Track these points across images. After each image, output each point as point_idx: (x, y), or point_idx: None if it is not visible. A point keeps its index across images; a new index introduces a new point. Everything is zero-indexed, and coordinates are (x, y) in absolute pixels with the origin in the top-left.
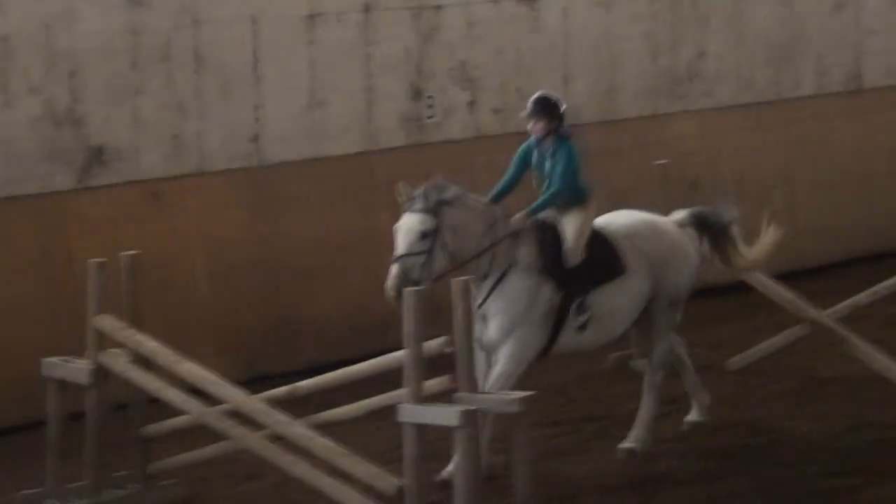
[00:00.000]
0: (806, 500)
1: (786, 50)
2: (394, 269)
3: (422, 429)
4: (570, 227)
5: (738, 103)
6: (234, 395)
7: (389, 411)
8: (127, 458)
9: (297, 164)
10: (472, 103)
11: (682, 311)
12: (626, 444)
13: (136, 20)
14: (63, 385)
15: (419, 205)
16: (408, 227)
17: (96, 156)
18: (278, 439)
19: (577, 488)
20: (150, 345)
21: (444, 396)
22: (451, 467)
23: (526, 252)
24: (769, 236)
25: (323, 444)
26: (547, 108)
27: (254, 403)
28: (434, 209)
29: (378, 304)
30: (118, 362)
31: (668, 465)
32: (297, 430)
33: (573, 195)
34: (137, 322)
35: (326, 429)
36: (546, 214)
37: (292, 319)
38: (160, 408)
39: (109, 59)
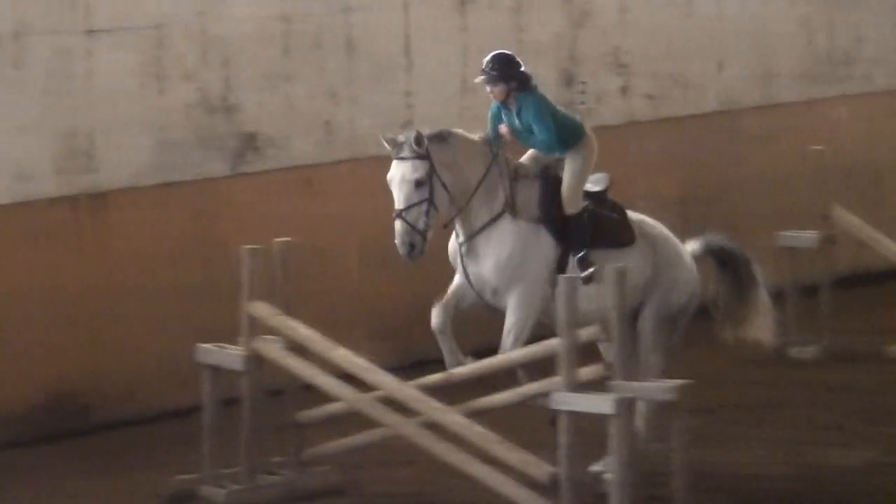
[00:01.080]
0: None
1: None
2: (398, 226)
3: (576, 416)
4: (567, 172)
5: None
6: (388, 382)
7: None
8: (281, 444)
9: None
10: (624, 89)
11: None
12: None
13: (289, 7)
14: (217, 371)
15: (407, 151)
16: (400, 177)
17: (249, 142)
18: (432, 426)
19: (734, 476)
20: (304, 331)
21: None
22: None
23: (525, 198)
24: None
25: (477, 432)
26: (503, 70)
27: (408, 390)
28: (424, 152)
29: None
30: (272, 349)
31: (829, 453)
32: (452, 416)
33: (566, 140)
34: (291, 308)
35: (481, 416)
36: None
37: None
38: (314, 394)
39: (262, 45)
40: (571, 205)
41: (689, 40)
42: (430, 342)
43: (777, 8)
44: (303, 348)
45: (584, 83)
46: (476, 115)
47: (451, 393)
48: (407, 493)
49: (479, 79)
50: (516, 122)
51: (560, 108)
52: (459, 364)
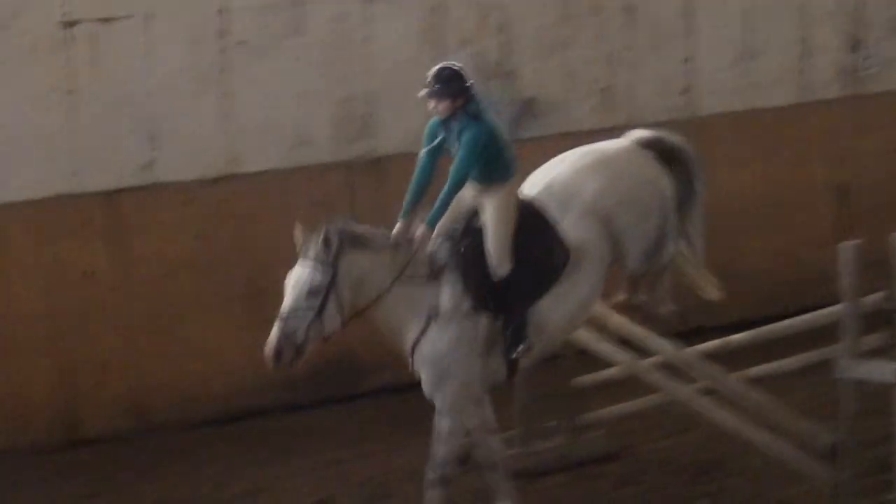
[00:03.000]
0: None
1: None
2: (274, 330)
3: (859, 385)
4: (490, 229)
5: None
6: (666, 348)
7: (823, 367)
8: (557, 409)
9: (729, 117)
10: None
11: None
12: None
13: None
14: None
15: (312, 253)
16: (296, 280)
17: (527, 108)
18: (710, 393)
19: None
20: None
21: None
22: None
23: (449, 294)
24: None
25: (756, 398)
26: (450, 84)
27: (685, 356)
28: (330, 259)
29: (813, 258)
30: None
31: None
32: (730, 383)
33: (492, 176)
34: None
35: (759, 383)
36: (461, 222)
37: (725, 272)
38: (590, 359)
39: (540, 11)
40: (501, 265)
41: None
42: (708, 309)
43: None
44: None
45: (869, 48)
46: (756, 81)
47: (728, 360)
48: (683, 459)
49: (423, 93)
50: (454, 142)
51: (504, 141)
52: None
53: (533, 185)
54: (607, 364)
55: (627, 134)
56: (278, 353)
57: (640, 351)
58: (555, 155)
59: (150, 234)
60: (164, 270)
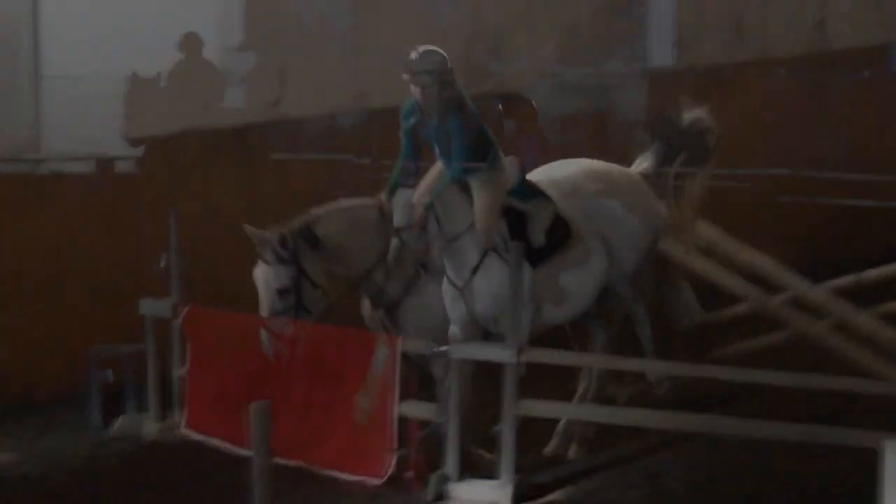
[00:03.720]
0: None
1: None
2: (262, 333)
3: None
4: (479, 203)
5: None
6: (797, 284)
7: None
8: (684, 345)
9: (862, 51)
10: None
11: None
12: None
13: None
14: None
15: (270, 254)
16: (262, 282)
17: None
18: (842, 329)
19: None
20: (711, 232)
21: None
22: None
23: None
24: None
25: (889, 335)
26: (435, 69)
27: (816, 292)
28: (288, 257)
29: None
30: (677, 250)
31: None
32: (862, 319)
33: (480, 159)
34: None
35: (891, 319)
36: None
37: (858, 209)
38: (721, 295)
39: None
40: (486, 239)
41: None
42: (841, 244)
43: None
44: (710, 249)
45: None
46: (891, 15)
47: (860, 296)
48: (813, 396)
49: (407, 77)
50: (434, 126)
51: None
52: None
53: (536, 178)
54: (737, 299)
55: (635, 165)
56: (276, 353)
57: (771, 286)
58: (686, 90)
59: (278, 169)
60: (292, 205)
